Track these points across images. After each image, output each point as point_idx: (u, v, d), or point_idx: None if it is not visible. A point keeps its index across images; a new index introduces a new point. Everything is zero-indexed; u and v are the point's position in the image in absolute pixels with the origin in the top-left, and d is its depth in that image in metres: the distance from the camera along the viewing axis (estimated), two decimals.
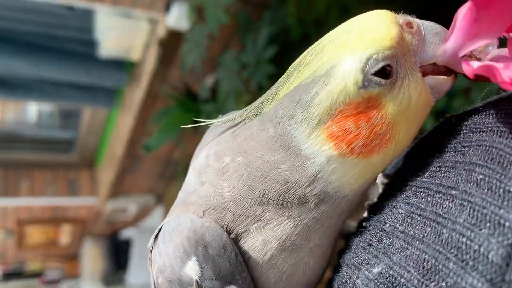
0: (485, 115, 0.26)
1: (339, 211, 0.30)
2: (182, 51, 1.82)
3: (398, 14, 0.28)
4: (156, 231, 0.33)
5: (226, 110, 1.82)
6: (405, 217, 0.27)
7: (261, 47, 1.66)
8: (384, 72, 0.26)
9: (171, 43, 1.97)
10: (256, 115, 0.30)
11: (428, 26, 0.28)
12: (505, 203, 0.22)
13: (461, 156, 0.26)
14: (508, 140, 0.24)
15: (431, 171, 0.27)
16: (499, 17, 0.23)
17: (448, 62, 0.26)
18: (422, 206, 0.26)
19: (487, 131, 0.25)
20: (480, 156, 0.24)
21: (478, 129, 0.26)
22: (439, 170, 0.27)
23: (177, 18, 1.86)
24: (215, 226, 0.30)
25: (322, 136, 0.27)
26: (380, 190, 0.35)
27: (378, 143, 0.27)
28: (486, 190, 0.23)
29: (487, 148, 0.24)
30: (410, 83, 0.27)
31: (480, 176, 0.23)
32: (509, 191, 0.22)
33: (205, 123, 0.33)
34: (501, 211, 0.21)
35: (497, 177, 0.23)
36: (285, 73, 0.30)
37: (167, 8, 1.87)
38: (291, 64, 0.30)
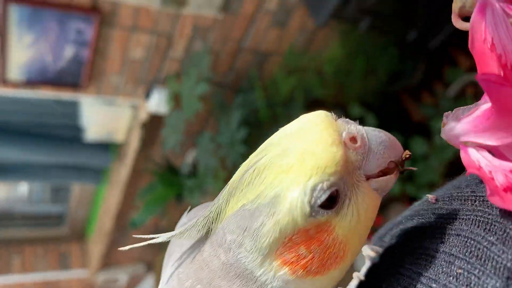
0: (465, 201, 0.26)
1: None
2: (162, 134, 1.97)
3: (339, 119, 0.27)
4: None
5: (206, 185, 1.95)
6: None
7: (234, 129, 1.80)
8: (332, 198, 0.25)
9: (153, 125, 2.11)
10: (206, 232, 0.30)
11: (372, 136, 0.26)
12: None
13: (442, 245, 0.25)
14: (485, 232, 0.23)
15: (414, 257, 0.27)
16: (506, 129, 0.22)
17: (448, 139, 0.25)
18: None
19: (466, 219, 0.25)
20: (459, 248, 0.24)
21: (458, 217, 0.26)
22: (421, 258, 0.26)
23: (157, 103, 2.01)
24: None
25: (275, 263, 0.26)
26: (367, 262, 0.34)
27: (333, 261, 0.26)
28: (465, 286, 0.22)
29: (466, 239, 0.24)
30: (358, 197, 0.26)
31: (460, 270, 0.23)
32: (502, 261, 0.21)
33: (165, 237, 0.31)
34: None
35: (475, 273, 0.22)
36: (227, 186, 0.29)
37: (147, 95, 2.03)
38: (261, 143, 0.28)
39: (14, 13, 1.67)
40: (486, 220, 0.24)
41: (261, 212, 0.26)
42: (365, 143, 0.26)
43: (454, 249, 0.24)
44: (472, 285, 0.22)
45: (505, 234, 0.22)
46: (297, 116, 0.28)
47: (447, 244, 0.25)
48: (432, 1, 1.71)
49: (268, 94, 1.92)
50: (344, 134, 0.26)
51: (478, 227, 0.24)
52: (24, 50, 1.79)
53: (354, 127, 0.26)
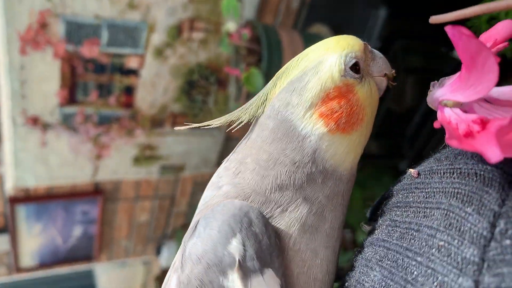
0: (443, 173, 0.27)
1: (341, 189, 0.34)
2: None
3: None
4: (191, 227, 0.33)
5: None
6: (381, 281, 0.28)
7: None
8: (355, 68, 0.33)
9: None
10: (250, 117, 0.34)
11: (375, 51, 0.36)
12: (463, 270, 0.22)
13: (424, 219, 0.27)
14: (463, 204, 0.24)
15: (400, 232, 0.28)
16: (476, 83, 0.23)
17: (430, 102, 0.29)
18: (393, 270, 0.27)
19: (445, 192, 0.26)
20: (440, 220, 0.25)
21: (438, 189, 0.27)
22: (407, 232, 0.28)
23: (168, 258, 2.03)
24: (256, 207, 0.32)
25: (314, 116, 0.32)
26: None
27: (355, 121, 0.32)
28: (446, 257, 0.23)
29: (445, 211, 0.25)
30: (370, 80, 0.34)
31: (441, 243, 0.24)
32: (465, 258, 0.22)
33: (198, 126, 0.35)
34: (460, 279, 0.22)
35: (454, 244, 0.23)
36: (270, 81, 0.35)
37: (158, 251, 2.06)
38: None
39: (21, 211, 1.74)
40: (463, 191, 0.24)
41: (307, 74, 0.33)
42: (373, 51, 0.35)
43: (435, 222, 0.25)
44: (452, 255, 0.23)
45: (480, 204, 0.23)
46: None
47: (429, 217, 0.26)
48: (417, 133, 1.75)
49: None
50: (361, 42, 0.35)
51: (456, 199, 0.24)
52: (34, 239, 1.84)
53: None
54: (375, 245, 0.31)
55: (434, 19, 0.26)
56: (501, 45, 0.26)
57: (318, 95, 0.32)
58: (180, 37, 1.47)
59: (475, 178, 0.24)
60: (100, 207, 1.83)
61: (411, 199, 0.29)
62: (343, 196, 0.34)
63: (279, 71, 0.35)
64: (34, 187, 1.65)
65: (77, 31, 1.34)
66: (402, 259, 0.26)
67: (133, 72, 1.48)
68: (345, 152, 0.33)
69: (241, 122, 0.35)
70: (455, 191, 0.25)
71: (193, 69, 1.53)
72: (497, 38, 0.26)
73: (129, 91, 1.51)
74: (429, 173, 0.29)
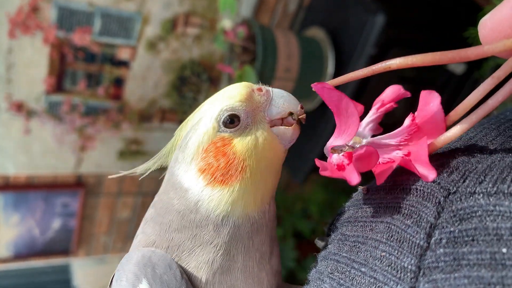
0: (388, 190, 0.29)
1: (245, 232, 0.35)
2: None
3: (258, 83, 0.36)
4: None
5: None
6: None
7: None
8: (233, 121, 0.33)
9: None
10: (162, 165, 0.38)
11: (275, 91, 0.35)
12: (402, 278, 0.24)
13: (370, 232, 0.28)
14: (403, 217, 0.26)
15: (349, 245, 0.30)
16: (346, 127, 0.29)
17: (326, 153, 0.31)
18: (342, 282, 0.29)
19: (389, 206, 0.28)
20: (383, 233, 0.27)
21: (383, 204, 0.29)
22: (355, 246, 0.29)
23: None
24: (159, 251, 0.34)
25: (194, 170, 0.34)
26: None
27: (234, 173, 0.33)
28: (387, 267, 0.25)
29: (388, 225, 0.27)
30: (258, 130, 0.34)
31: (383, 253, 0.26)
32: (403, 267, 0.24)
33: (124, 174, 0.39)
34: (398, 287, 0.24)
35: (395, 254, 0.25)
36: (179, 127, 0.37)
37: None
38: None
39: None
40: (404, 205, 0.26)
41: (190, 132, 0.35)
42: (269, 93, 0.35)
43: (379, 235, 0.27)
44: (392, 264, 0.25)
45: (419, 217, 0.25)
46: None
47: (375, 231, 0.28)
48: None
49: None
50: (255, 86, 0.35)
51: (398, 213, 0.27)
52: (11, 229, 1.79)
53: (264, 86, 0.35)
54: (327, 259, 0.32)
55: (332, 82, 0.29)
56: (388, 105, 0.31)
57: (197, 151, 0.34)
58: (174, 32, 1.44)
59: (415, 193, 0.26)
60: (81, 201, 1.79)
61: (359, 214, 0.31)
62: (250, 237, 0.35)
63: (184, 121, 0.37)
64: (14, 175, 1.61)
65: (69, 18, 1.31)
66: (349, 271, 0.28)
67: (124, 64, 1.45)
68: (229, 202, 0.34)
69: (152, 169, 0.38)
70: (398, 205, 0.27)
71: (185, 65, 1.51)
72: (384, 99, 0.31)
73: (118, 83, 1.49)
74: (376, 190, 0.31)
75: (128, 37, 1.41)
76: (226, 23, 1.28)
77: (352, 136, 0.28)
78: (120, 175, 0.38)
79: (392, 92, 0.31)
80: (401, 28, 1.26)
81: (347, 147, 0.29)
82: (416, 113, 0.28)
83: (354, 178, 0.26)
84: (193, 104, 1.63)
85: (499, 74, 0.24)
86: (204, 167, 0.33)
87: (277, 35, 1.27)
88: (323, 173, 0.28)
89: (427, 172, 0.25)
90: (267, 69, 1.22)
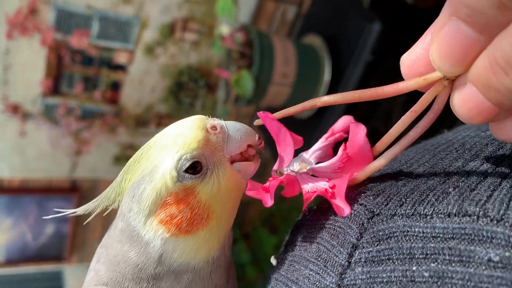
0: (323, 211, 0.31)
1: (203, 274, 0.34)
2: None
3: (208, 118, 0.34)
4: None
5: None
6: None
7: None
8: (195, 168, 0.31)
9: None
10: (105, 207, 0.35)
11: (230, 125, 0.33)
12: None
13: (304, 252, 0.30)
14: (331, 238, 0.28)
15: (287, 264, 0.32)
16: (284, 154, 0.31)
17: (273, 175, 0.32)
18: None
19: (322, 227, 0.30)
20: (313, 253, 0.29)
21: (318, 226, 0.30)
22: (292, 265, 0.31)
23: None
24: None
25: (154, 222, 0.32)
26: None
27: (199, 221, 0.32)
28: (312, 285, 0.27)
29: (318, 245, 0.29)
30: (219, 172, 0.32)
31: (311, 272, 0.28)
32: (326, 285, 0.26)
33: (66, 213, 0.37)
34: None
35: (319, 272, 0.27)
36: (123, 169, 0.35)
37: None
38: None
39: None
40: (333, 227, 0.28)
41: (144, 181, 0.32)
42: (224, 130, 0.33)
43: (310, 254, 0.29)
44: (317, 283, 0.27)
45: (344, 238, 0.27)
46: None
47: (307, 250, 0.29)
48: None
49: (253, 248, 1.90)
50: (208, 124, 0.33)
51: (328, 233, 0.28)
52: (3, 234, 1.77)
53: (216, 121, 0.33)
54: (272, 277, 0.34)
55: (276, 115, 0.30)
56: (338, 135, 0.33)
57: (155, 202, 0.32)
58: (172, 37, 1.45)
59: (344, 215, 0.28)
60: (76, 206, 1.77)
61: (300, 234, 0.33)
62: (211, 276, 0.35)
63: (129, 161, 0.35)
64: (8, 179, 1.60)
65: (67, 20, 1.32)
66: None
67: (121, 68, 1.46)
68: (194, 249, 0.33)
69: (95, 212, 0.36)
70: (329, 226, 0.29)
71: (183, 71, 1.51)
72: (334, 129, 0.34)
73: (115, 87, 1.49)
74: (314, 211, 0.32)
75: (126, 41, 1.41)
76: (224, 28, 1.28)
77: (288, 163, 0.31)
78: (58, 215, 0.36)
79: (343, 123, 0.33)
80: (397, 35, 1.26)
81: (277, 172, 0.32)
82: (347, 143, 0.30)
83: (268, 201, 0.29)
84: (190, 110, 1.62)
85: (417, 108, 0.26)
86: (165, 218, 0.32)
87: (274, 41, 1.28)
88: (248, 192, 0.30)
89: (343, 207, 0.27)
90: (264, 73, 1.22)
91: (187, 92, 1.57)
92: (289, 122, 1.41)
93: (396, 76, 0.27)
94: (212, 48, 1.37)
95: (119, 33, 1.39)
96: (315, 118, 1.36)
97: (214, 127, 0.33)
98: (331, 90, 1.31)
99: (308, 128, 1.38)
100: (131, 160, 0.34)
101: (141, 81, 1.49)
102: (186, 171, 0.31)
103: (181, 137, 0.32)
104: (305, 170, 0.32)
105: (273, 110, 0.30)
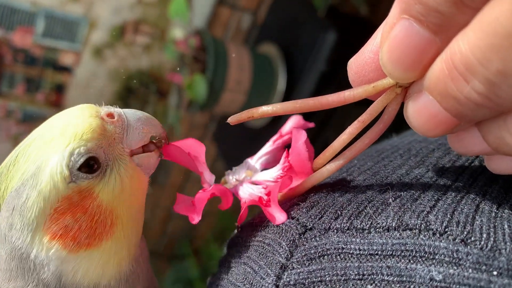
0: (254, 227, 0.29)
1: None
2: None
3: (101, 106, 0.29)
4: None
5: None
6: None
7: None
8: (90, 165, 0.26)
9: None
10: None
11: (129, 113, 0.28)
12: None
13: (230, 275, 0.28)
14: (258, 257, 0.26)
15: (226, 267, 0.29)
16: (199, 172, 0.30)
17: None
18: None
19: (250, 246, 0.28)
20: (240, 275, 0.27)
21: (246, 243, 0.28)
22: (231, 267, 0.29)
23: None
24: None
25: (45, 238, 0.25)
26: None
27: (103, 230, 0.26)
28: (249, 285, 0.25)
29: (245, 266, 0.27)
30: (120, 168, 0.27)
31: (249, 269, 0.26)
32: (262, 285, 0.24)
33: None
34: None
35: (255, 269, 0.25)
36: None
37: None
38: None
39: None
40: (262, 244, 0.26)
41: (26, 187, 0.25)
42: (123, 118, 0.28)
43: (236, 277, 0.27)
44: (254, 283, 0.25)
45: (272, 257, 0.25)
46: None
47: (234, 273, 0.27)
48: None
49: (203, 263, 1.85)
50: (102, 111, 0.28)
51: (256, 252, 0.26)
52: None
53: (112, 108, 0.28)
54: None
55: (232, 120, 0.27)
56: (286, 137, 0.31)
57: (43, 212, 0.25)
58: (123, 39, 1.40)
59: (274, 230, 0.26)
60: None
61: (229, 254, 0.30)
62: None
63: (2, 165, 0.28)
64: None
65: (10, 16, 1.24)
66: None
67: (67, 69, 1.39)
68: (100, 265, 0.27)
69: None
70: (258, 244, 0.27)
71: (133, 75, 1.46)
72: (282, 131, 0.31)
73: (60, 89, 1.41)
74: (246, 227, 0.30)
75: (73, 41, 1.35)
76: (177, 32, 1.25)
77: (208, 175, 0.30)
78: None
79: (292, 124, 0.31)
80: (353, 45, 1.28)
81: (205, 185, 0.30)
82: (290, 150, 0.27)
83: (195, 218, 0.27)
84: None
85: (365, 118, 0.23)
86: (59, 232, 0.25)
87: (229, 48, 1.26)
88: (176, 208, 0.28)
89: (278, 214, 0.25)
90: (218, 79, 1.20)
91: (137, 97, 1.51)
92: (242, 132, 1.38)
93: (352, 87, 0.24)
94: (165, 52, 1.33)
95: (65, 33, 1.32)
96: (269, 127, 1.34)
97: (110, 115, 0.27)
98: (285, 99, 1.29)
99: (261, 138, 1.37)
100: (3, 163, 0.27)
101: (87, 84, 1.43)
102: (80, 168, 0.25)
103: (72, 126, 0.26)
104: (249, 178, 0.30)
105: (227, 117, 0.25)
